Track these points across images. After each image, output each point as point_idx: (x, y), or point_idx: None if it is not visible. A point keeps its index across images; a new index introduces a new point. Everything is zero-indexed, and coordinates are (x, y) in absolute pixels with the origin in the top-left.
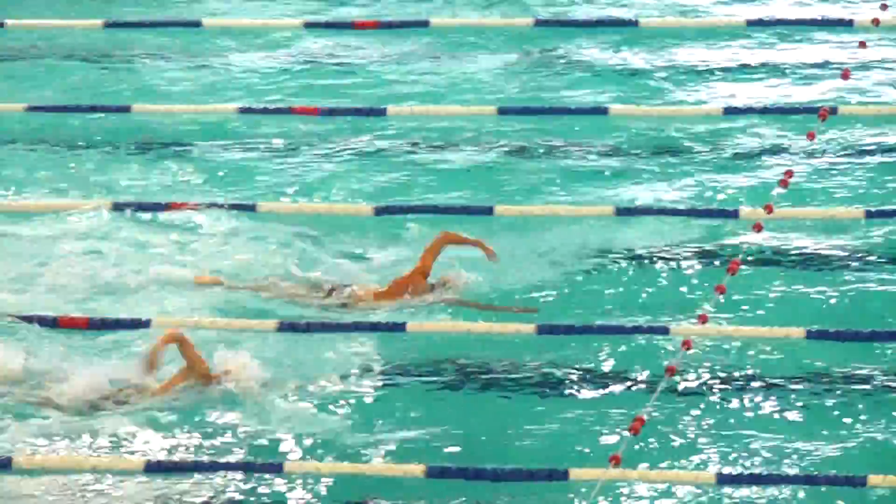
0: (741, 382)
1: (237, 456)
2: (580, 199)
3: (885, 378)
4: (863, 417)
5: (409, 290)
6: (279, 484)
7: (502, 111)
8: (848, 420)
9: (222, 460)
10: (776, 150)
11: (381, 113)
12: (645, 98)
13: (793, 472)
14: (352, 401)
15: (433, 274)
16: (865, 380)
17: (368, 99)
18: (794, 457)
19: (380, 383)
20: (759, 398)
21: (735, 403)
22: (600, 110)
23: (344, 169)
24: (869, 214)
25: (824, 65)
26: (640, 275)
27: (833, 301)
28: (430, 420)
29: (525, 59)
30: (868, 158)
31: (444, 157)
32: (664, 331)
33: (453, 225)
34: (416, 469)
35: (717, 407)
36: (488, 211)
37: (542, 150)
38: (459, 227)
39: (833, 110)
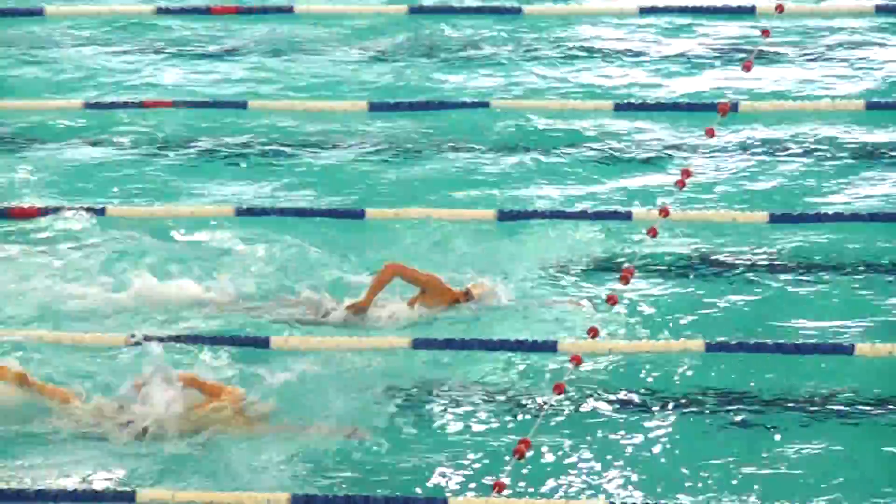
0: (636, 400)
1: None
2: (461, 201)
3: (790, 393)
4: (767, 436)
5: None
6: None
7: (374, 107)
8: (752, 439)
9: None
10: (672, 149)
11: (241, 106)
12: (530, 91)
13: (690, 498)
14: None
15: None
16: (770, 394)
17: (227, 92)
18: (693, 481)
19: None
20: (655, 417)
21: (629, 423)
22: (482, 104)
23: (200, 168)
24: (773, 218)
25: (724, 56)
26: (525, 284)
27: (735, 310)
28: (299, 444)
29: (399, 49)
30: (772, 157)
31: (312, 156)
32: (552, 346)
33: (319, 229)
34: (281, 497)
35: (609, 427)
36: (359, 214)
37: (418, 148)
38: (326, 231)
39: (734, 105)
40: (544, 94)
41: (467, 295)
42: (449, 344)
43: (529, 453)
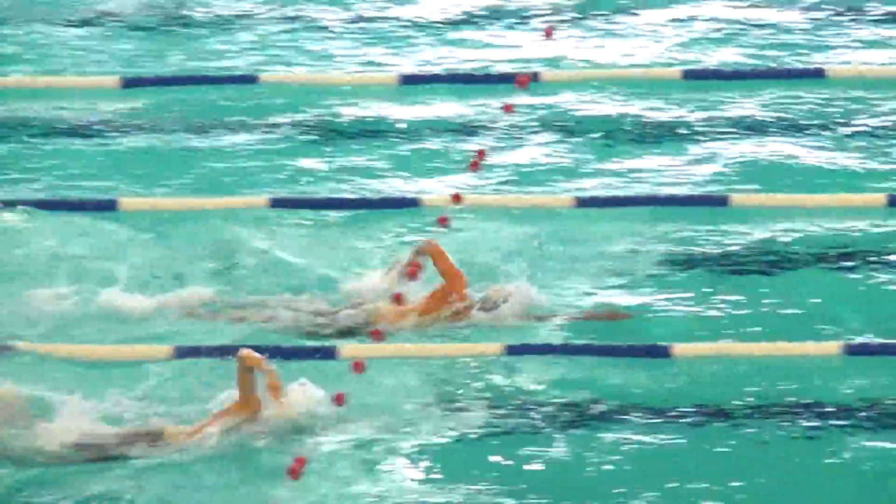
0: (418, 408)
1: None
2: (223, 188)
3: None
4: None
5: (451, 306)
6: None
7: (129, 83)
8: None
9: None
10: (466, 126)
11: None
12: (303, 64)
13: None
14: None
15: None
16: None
17: None
18: None
19: None
20: (448, 424)
21: (411, 437)
22: (248, 79)
23: None
24: (581, 202)
25: (522, 22)
26: (291, 282)
27: None
28: None
29: (158, 19)
30: (576, 135)
31: (62, 139)
32: (330, 353)
33: (70, 220)
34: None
35: (391, 443)
36: (110, 205)
37: (180, 128)
38: (78, 224)
39: (535, 76)
40: (323, 68)
41: (487, 302)
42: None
43: (304, 472)
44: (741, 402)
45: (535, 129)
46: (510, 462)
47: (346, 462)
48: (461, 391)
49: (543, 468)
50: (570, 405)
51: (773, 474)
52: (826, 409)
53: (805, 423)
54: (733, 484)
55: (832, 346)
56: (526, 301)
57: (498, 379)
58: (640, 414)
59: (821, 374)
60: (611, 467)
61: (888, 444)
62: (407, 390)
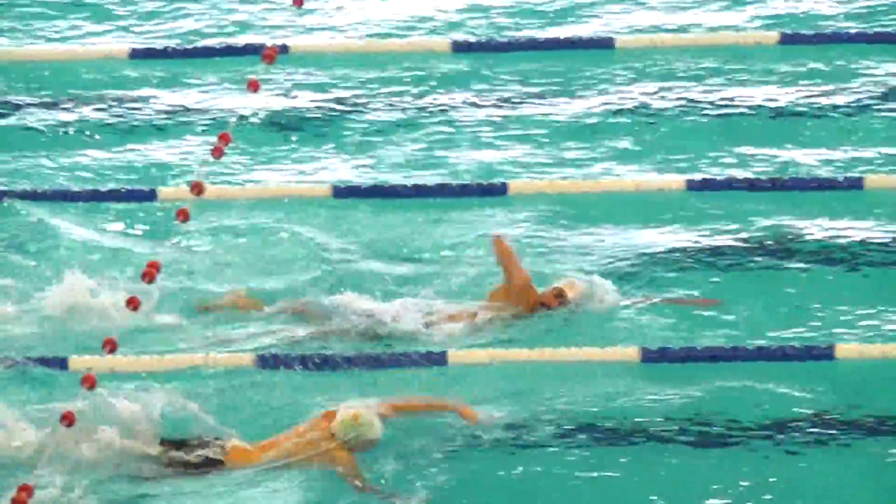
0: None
1: None
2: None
3: None
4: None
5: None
6: None
7: None
8: None
9: None
10: (203, 108)
11: None
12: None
13: None
14: None
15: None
16: None
17: None
18: None
19: None
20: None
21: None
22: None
23: None
24: (337, 191)
25: None
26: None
27: None
28: None
29: None
30: (331, 113)
31: None
32: (62, 363)
33: None
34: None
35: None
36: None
37: None
38: None
39: (284, 48)
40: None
41: (559, 298)
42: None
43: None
44: None
45: (286, 109)
46: None
47: None
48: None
49: None
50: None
51: None
52: None
53: None
54: None
55: None
56: (590, 295)
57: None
58: None
59: None
60: None
61: None
62: None
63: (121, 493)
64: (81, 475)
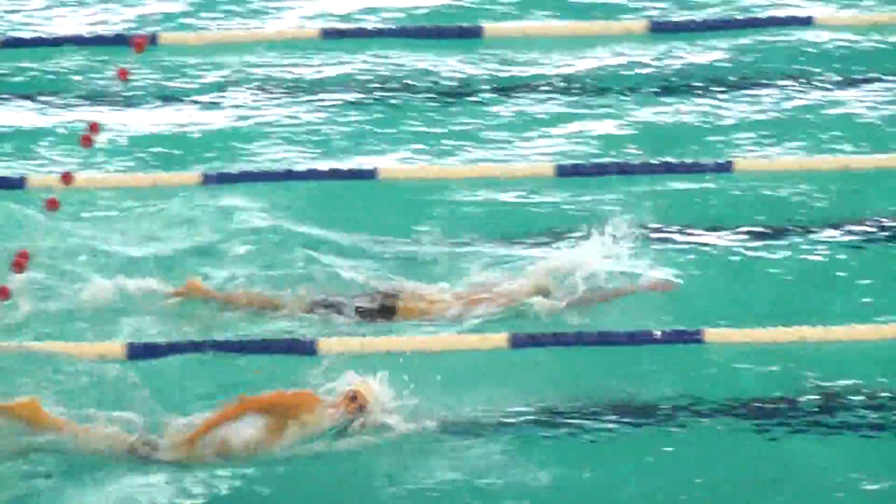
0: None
1: None
2: None
3: None
4: None
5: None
6: None
7: None
8: None
9: None
10: (75, 95)
11: None
12: None
13: None
14: None
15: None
16: None
17: None
18: None
19: None
20: None
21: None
22: None
23: None
24: (206, 179)
25: None
26: None
27: None
28: None
29: None
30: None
31: None
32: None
33: None
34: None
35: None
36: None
37: None
38: None
39: (153, 38)
40: None
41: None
42: None
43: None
44: None
45: (153, 97)
46: None
47: None
48: None
49: None
50: None
51: None
52: None
53: None
54: None
55: None
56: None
57: None
58: None
59: None
60: None
61: None
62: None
63: None
64: None
